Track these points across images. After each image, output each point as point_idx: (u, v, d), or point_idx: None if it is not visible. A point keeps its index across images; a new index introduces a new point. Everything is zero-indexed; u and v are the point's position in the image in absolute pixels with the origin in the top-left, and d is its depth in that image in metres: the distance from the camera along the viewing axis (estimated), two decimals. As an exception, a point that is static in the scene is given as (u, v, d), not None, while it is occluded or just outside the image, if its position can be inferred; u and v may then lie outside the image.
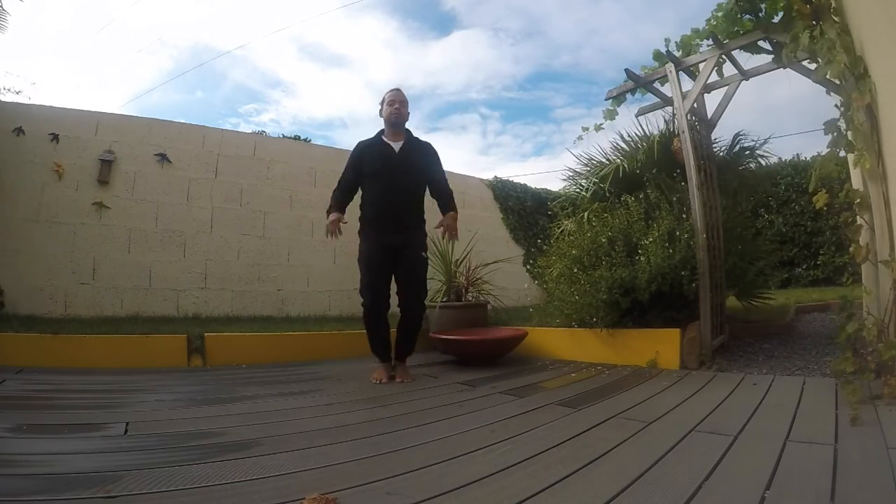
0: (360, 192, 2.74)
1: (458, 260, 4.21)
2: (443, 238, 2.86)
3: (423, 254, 2.67)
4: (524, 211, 7.29)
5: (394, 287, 2.65)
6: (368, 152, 2.68)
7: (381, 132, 2.73)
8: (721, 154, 3.71)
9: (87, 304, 3.88)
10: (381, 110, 2.73)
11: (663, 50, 3.20)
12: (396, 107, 2.66)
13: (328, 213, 2.68)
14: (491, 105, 52.77)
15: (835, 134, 2.28)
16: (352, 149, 2.81)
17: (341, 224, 2.63)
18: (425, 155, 2.75)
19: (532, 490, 1.06)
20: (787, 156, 7.76)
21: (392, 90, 2.73)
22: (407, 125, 2.75)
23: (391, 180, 2.58)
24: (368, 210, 2.65)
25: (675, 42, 3.31)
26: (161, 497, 1.03)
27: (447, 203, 2.74)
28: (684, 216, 2.93)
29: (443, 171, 2.81)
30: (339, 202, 2.71)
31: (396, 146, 2.65)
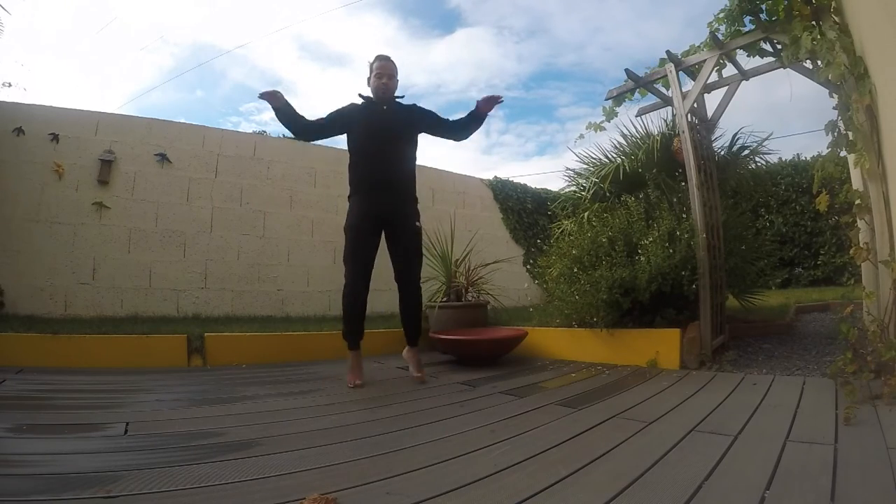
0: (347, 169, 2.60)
1: (458, 260, 4.21)
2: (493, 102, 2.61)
3: (417, 223, 2.58)
4: (524, 211, 7.29)
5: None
6: (354, 108, 2.58)
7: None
8: (721, 154, 3.71)
9: (87, 304, 3.88)
10: (369, 78, 2.62)
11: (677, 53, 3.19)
12: (384, 81, 2.55)
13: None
14: (493, 104, 52.73)
15: (835, 134, 2.29)
16: None
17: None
18: (413, 111, 2.64)
19: (532, 490, 1.06)
20: (788, 155, 7.77)
21: (381, 59, 2.58)
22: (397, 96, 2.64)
23: (378, 136, 2.48)
24: (355, 172, 2.53)
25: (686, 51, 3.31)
26: (161, 497, 1.03)
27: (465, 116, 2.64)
28: (684, 216, 2.93)
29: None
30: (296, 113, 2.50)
31: (382, 105, 2.56)
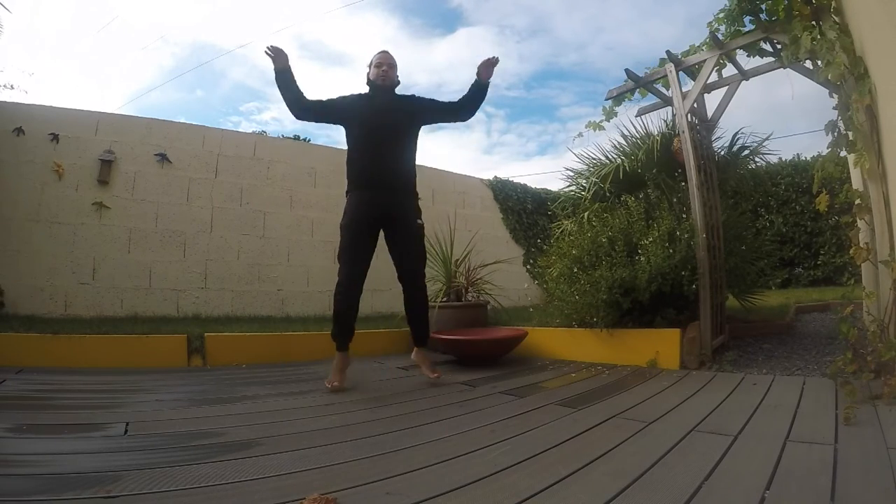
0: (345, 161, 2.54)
1: (458, 260, 4.21)
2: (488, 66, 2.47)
3: (419, 220, 2.51)
4: (524, 211, 7.30)
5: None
6: (355, 99, 2.53)
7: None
8: (721, 154, 3.71)
9: (87, 304, 3.88)
10: (368, 73, 2.58)
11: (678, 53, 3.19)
12: (384, 69, 2.50)
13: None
14: (496, 103, 52.88)
15: (835, 134, 2.29)
16: None
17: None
18: (413, 102, 2.58)
19: (532, 490, 1.06)
20: (788, 155, 7.76)
21: (380, 52, 2.56)
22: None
23: (378, 129, 2.41)
24: (353, 165, 2.46)
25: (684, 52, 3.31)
26: (161, 497, 1.03)
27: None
28: (684, 216, 2.93)
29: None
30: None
31: (383, 98, 2.52)
